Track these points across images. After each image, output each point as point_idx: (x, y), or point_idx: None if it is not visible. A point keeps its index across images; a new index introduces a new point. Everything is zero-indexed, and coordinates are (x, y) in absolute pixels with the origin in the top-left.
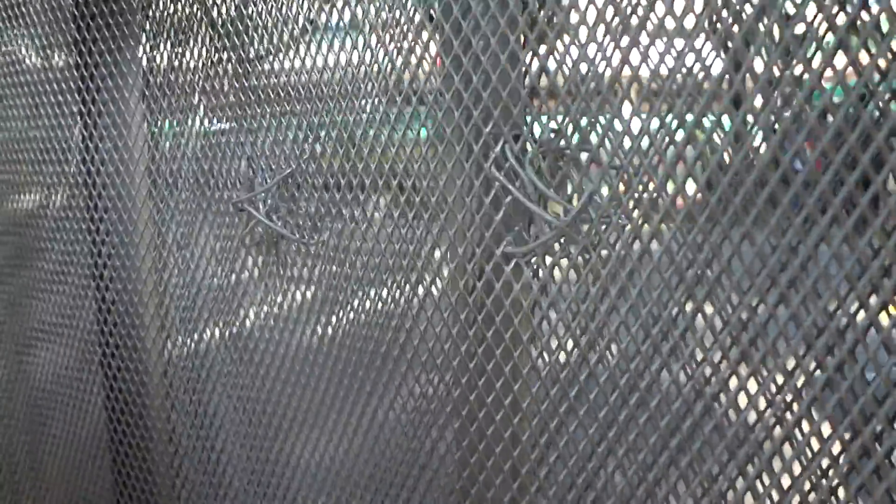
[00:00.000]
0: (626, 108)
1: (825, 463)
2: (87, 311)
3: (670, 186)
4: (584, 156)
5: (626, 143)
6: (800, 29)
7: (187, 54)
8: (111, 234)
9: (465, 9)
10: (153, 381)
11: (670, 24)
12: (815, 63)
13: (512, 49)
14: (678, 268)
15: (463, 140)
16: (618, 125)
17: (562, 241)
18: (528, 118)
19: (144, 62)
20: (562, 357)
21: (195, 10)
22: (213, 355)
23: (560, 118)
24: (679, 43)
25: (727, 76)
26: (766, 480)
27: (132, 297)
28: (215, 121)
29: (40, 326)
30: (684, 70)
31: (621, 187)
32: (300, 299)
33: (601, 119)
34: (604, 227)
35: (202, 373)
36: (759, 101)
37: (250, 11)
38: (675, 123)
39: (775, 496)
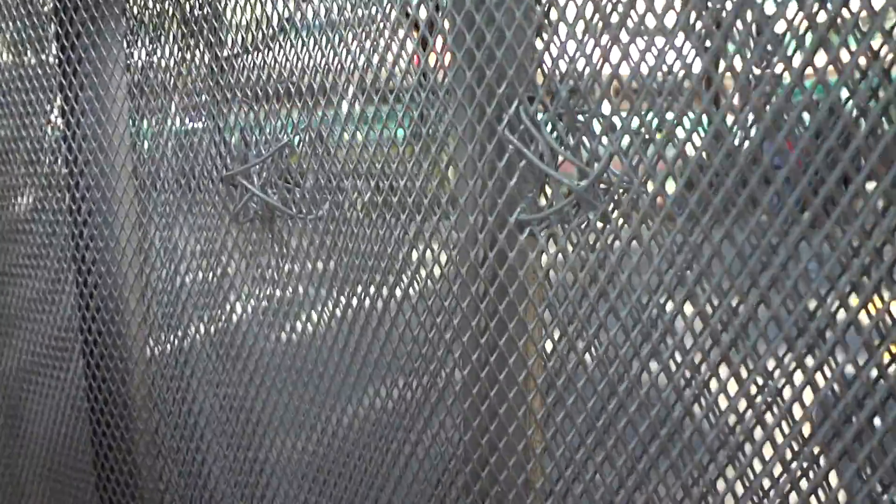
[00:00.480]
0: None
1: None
2: (67, 295)
3: (690, 150)
4: (598, 118)
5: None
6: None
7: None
8: (93, 214)
9: None
10: (138, 371)
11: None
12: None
13: (528, 4)
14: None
15: (475, 101)
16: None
17: (577, 207)
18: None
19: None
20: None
21: None
22: (199, 348)
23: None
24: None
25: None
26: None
27: (116, 279)
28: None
29: (16, 312)
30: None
31: (637, 151)
32: (297, 279)
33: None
34: (623, 191)
35: (187, 370)
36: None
37: None
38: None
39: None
